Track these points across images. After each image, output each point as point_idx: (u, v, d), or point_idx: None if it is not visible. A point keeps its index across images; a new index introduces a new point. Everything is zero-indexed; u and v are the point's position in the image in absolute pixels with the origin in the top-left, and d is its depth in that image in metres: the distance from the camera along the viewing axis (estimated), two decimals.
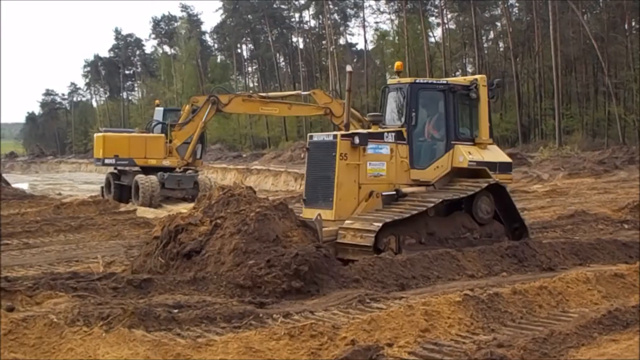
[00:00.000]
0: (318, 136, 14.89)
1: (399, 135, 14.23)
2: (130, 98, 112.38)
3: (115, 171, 29.32)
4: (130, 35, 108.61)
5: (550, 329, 7.97)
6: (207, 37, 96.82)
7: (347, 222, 13.25)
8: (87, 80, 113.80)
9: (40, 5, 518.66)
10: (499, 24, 66.24)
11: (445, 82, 15.15)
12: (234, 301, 9.53)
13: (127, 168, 28.42)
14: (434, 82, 15.35)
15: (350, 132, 14.33)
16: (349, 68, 15.74)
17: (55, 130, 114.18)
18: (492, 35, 68.85)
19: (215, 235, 11.86)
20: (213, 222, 12.13)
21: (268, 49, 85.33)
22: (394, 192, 13.98)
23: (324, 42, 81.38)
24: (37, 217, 20.69)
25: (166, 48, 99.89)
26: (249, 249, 11.23)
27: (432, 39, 69.89)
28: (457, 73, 65.87)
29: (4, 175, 36.22)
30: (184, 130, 27.51)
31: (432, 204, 13.44)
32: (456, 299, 8.76)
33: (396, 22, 73.45)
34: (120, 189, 28.79)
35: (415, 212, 13.19)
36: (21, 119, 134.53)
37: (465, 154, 14.53)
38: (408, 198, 13.91)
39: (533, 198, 26.35)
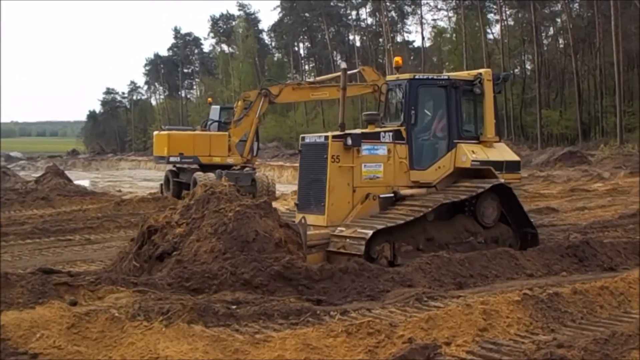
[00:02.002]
0: (310, 137, 14.15)
1: (397, 135, 13.54)
2: (188, 96, 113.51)
3: (174, 168, 29.62)
4: (189, 34, 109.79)
5: (612, 330, 7.82)
6: (265, 36, 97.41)
7: (338, 228, 12.69)
8: (147, 79, 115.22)
9: (103, 5, 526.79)
10: (558, 20, 65.35)
11: (446, 77, 14.42)
12: (292, 298, 9.56)
13: (185, 165, 28.67)
14: (435, 77, 14.63)
15: (342, 132, 13.55)
16: (343, 65, 14.89)
17: (115, 128, 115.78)
18: (551, 31, 67.96)
19: (192, 236, 11.51)
20: (190, 223, 11.78)
21: (325, 47, 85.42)
22: (392, 195, 13.36)
23: (380, 39, 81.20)
24: (98, 214, 21.07)
25: (224, 47, 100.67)
26: (226, 250, 10.86)
27: (490, 36, 69.34)
28: (516, 70, 65.21)
29: (66, 172, 36.92)
30: (240, 127, 27.67)
31: (429, 209, 12.80)
32: (515, 298, 8.66)
33: (454, 19, 72.96)
34: (179, 186, 29.05)
35: (411, 218, 12.60)
36: (83, 117, 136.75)
37: (469, 153, 13.81)
38: (406, 201, 13.30)
39: (593, 197, 25.92)
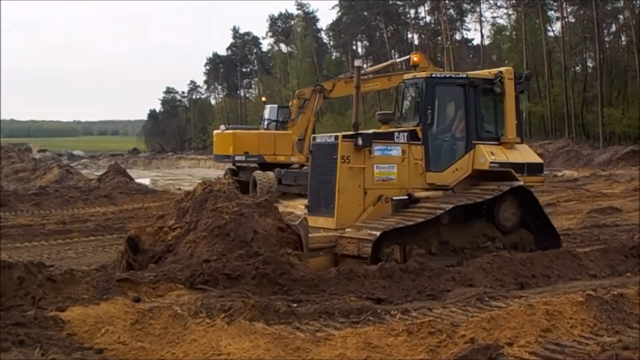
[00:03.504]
0: (320, 137, 13.71)
1: (412, 135, 13.09)
2: (247, 95, 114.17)
3: (234, 167, 29.84)
4: (247, 33, 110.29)
5: None
6: (323, 35, 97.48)
7: (347, 230, 12.32)
8: (206, 78, 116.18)
9: (164, 5, 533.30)
10: (621, 16, 64.05)
11: (464, 75, 13.83)
12: (352, 296, 9.56)
13: (245, 164, 28.85)
14: (452, 75, 14.16)
15: (354, 132, 13.03)
16: (357, 63, 14.28)
17: (175, 127, 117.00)
18: (613, 28, 66.66)
19: (188, 236, 11.37)
20: (184, 226, 11.64)
21: (383, 46, 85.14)
22: (406, 197, 12.89)
23: (439, 38, 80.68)
24: (159, 211, 21.29)
25: (282, 46, 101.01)
26: (224, 250, 10.66)
27: (551, 33, 68.32)
28: (577, 68, 64.23)
29: (127, 170, 37.46)
30: (298, 125, 27.79)
31: (442, 211, 12.29)
32: (578, 299, 8.52)
33: (513, 16, 72.10)
34: (238, 184, 29.26)
35: (422, 219, 12.12)
36: (144, 116, 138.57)
37: (487, 155, 13.26)
38: (420, 204, 12.83)
39: None
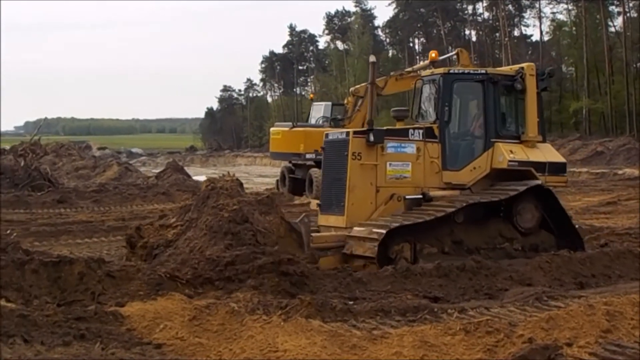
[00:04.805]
0: (332, 134, 13.43)
1: (429, 133, 12.74)
2: (303, 93, 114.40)
3: (291, 165, 29.93)
4: (304, 31, 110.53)
5: None
6: (380, 32, 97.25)
7: (355, 229, 12.00)
8: (263, 76, 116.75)
9: (219, 5, 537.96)
10: None
11: (483, 71, 13.47)
12: (409, 295, 9.53)
13: (301, 162, 28.89)
14: (471, 72, 13.67)
15: (365, 129, 12.71)
16: (372, 58, 13.84)
17: (231, 124, 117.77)
18: None
19: (188, 233, 11.32)
20: (184, 224, 11.58)
21: (440, 42, 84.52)
22: (420, 196, 12.54)
23: (497, 34, 79.85)
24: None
25: (339, 43, 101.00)
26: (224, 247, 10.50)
27: (612, 29, 67.09)
28: (639, 64, 63.01)
29: (185, 168, 37.86)
30: (354, 122, 27.65)
31: (453, 209, 11.97)
32: None
33: (573, 11, 71.05)
34: (295, 182, 29.32)
35: (431, 217, 11.79)
36: (201, 114, 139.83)
37: (506, 153, 12.87)
38: (433, 202, 12.48)
39: None
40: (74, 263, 8.78)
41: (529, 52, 76.03)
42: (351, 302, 8.90)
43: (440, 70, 13.53)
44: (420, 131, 12.79)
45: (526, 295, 9.56)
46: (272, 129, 31.84)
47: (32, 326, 7.13)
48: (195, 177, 36.80)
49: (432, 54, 14.93)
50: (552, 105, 67.69)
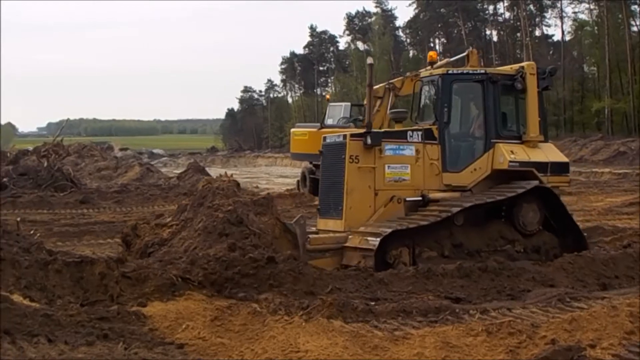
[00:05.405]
0: (330, 137, 13.12)
1: (428, 134, 12.55)
2: (323, 94, 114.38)
3: (311, 165, 29.95)
4: (324, 32, 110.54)
5: None
6: (400, 32, 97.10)
7: (349, 238, 11.80)
8: (283, 76, 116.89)
9: (239, 6, 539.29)
10: None
11: (483, 71, 13.18)
12: (430, 295, 9.51)
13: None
14: (470, 72, 13.44)
15: (362, 131, 12.51)
16: (369, 60, 13.66)
17: (252, 125, 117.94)
18: None
19: (183, 232, 11.28)
20: (179, 224, 11.54)
21: (461, 43, 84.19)
22: (420, 198, 12.37)
23: (518, 34, 79.50)
24: None
25: (359, 44, 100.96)
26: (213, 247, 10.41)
27: (635, 28, 66.63)
28: None
29: (206, 168, 37.96)
30: (375, 123, 27.61)
31: (449, 214, 11.74)
32: None
33: (595, 11, 70.65)
34: (315, 182, 29.29)
35: (425, 222, 11.62)
36: (222, 115, 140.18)
37: (507, 154, 12.64)
38: (434, 205, 12.29)
39: None
40: (95, 263, 8.82)
41: (551, 52, 75.70)
42: (372, 303, 8.88)
43: (439, 70, 13.39)
44: (419, 133, 12.62)
45: (549, 297, 9.51)
46: (294, 129, 31.84)
47: (55, 326, 7.19)
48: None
49: (431, 54, 14.74)
50: (574, 106, 67.54)
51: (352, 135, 12.41)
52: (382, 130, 13.02)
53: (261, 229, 11.18)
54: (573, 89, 68.51)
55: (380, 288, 9.94)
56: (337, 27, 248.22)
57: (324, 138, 13.37)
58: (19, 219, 14.98)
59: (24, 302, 7.66)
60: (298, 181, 31.09)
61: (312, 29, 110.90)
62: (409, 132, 12.65)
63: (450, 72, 13.17)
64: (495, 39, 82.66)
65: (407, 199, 12.35)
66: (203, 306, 8.39)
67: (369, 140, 12.12)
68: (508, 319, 7.88)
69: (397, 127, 13.25)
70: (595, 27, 69.62)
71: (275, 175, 53.16)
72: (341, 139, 12.52)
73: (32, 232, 14.63)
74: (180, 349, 7.21)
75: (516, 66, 13.63)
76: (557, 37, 79.33)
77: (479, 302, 9.56)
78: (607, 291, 10.25)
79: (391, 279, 10.31)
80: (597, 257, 11.35)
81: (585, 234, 13.11)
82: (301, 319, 7.77)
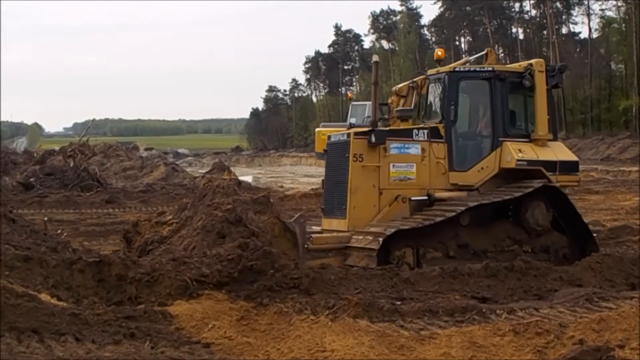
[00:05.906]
0: (335, 135, 13.04)
1: (434, 133, 12.41)
2: (348, 93, 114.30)
3: None
4: (349, 30, 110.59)
5: None
6: (425, 31, 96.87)
7: (353, 238, 11.65)
8: (308, 76, 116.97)
9: (265, 5, 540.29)
10: None
11: (490, 69, 13.04)
12: (457, 295, 9.46)
13: None
14: (477, 69, 13.24)
15: (367, 129, 12.36)
16: (375, 58, 13.40)
17: (277, 125, 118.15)
18: None
19: (182, 231, 11.24)
20: (179, 222, 11.50)
21: (487, 41, 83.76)
22: (426, 198, 12.20)
23: (544, 32, 79.04)
24: None
25: (384, 43, 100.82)
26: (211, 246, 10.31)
27: None
28: None
29: (231, 168, 38.06)
30: (398, 122, 27.59)
31: (453, 214, 11.58)
32: None
33: (623, 8, 70.05)
34: None
35: (429, 222, 11.46)
36: (246, 114, 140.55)
37: (514, 152, 12.46)
38: (439, 204, 12.11)
39: None
40: (112, 264, 8.82)
41: (577, 49, 75.19)
42: (398, 303, 8.84)
43: (446, 68, 13.31)
44: (425, 131, 12.49)
45: (576, 296, 9.42)
46: (318, 129, 31.78)
47: (83, 325, 7.23)
48: (241, 177, 36.91)
49: (438, 52, 14.63)
50: (602, 104, 67.04)
51: (356, 134, 12.31)
52: (388, 128, 12.95)
53: (260, 227, 11.10)
54: (600, 87, 68.06)
55: (406, 287, 9.89)
56: (362, 26, 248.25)
57: (329, 137, 13.32)
58: (46, 219, 15.15)
59: (51, 301, 7.70)
60: (323, 180, 31.04)
61: (337, 27, 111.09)
62: (415, 131, 12.54)
63: (457, 69, 13.12)
64: (521, 37, 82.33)
65: (413, 198, 12.22)
66: (229, 306, 8.39)
67: (373, 139, 12.00)
68: (535, 319, 7.81)
69: (403, 126, 13.16)
70: (623, 25, 69.12)
71: (300, 174, 53.18)
72: (345, 137, 12.43)
73: (59, 231, 14.78)
74: (206, 348, 7.23)
75: (525, 63, 13.48)
76: (584, 34, 78.89)
77: (506, 302, 9.49)
78: (635, 291, 10.13)
79: (417, 278, 10.26)
80: (626, 256, 11.25)
81: (595, 235, 12.87)
82: (327, 318, 7.75)
